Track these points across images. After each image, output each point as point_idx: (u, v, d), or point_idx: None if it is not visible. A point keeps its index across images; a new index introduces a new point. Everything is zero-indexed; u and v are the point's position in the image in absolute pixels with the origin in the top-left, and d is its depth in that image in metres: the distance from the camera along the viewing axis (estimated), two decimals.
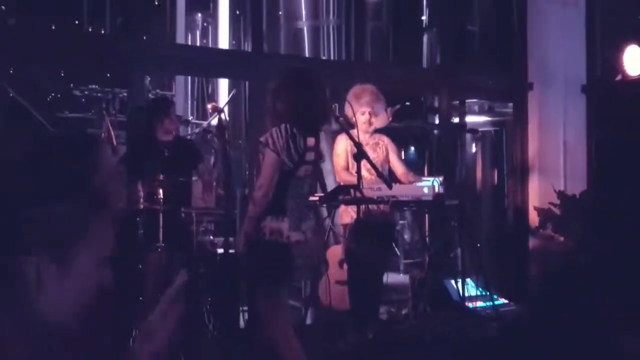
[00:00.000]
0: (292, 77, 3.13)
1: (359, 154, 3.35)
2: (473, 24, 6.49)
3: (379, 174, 3.59)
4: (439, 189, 4.22)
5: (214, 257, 4.24)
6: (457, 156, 5.83)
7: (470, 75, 6.02)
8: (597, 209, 5.19)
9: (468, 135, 6.37)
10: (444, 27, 6.12)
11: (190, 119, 6.71)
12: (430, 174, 5.90)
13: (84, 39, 4.98)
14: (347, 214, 4.23)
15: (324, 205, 4.08)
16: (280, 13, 6.32)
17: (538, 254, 5.67)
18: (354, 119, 3.87)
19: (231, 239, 3.74)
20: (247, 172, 5.40)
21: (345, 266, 4.26)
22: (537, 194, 5.78)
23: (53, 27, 5.37)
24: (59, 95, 6.33)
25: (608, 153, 5.70)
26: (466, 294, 4.65)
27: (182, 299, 1.42)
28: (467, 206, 5.07)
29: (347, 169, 4.25)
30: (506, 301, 5.13)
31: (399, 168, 4.41)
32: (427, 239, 5.69)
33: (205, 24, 7.45)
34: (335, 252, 4.65)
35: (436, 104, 6.10)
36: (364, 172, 3.67)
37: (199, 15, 7.40)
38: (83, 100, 6.29)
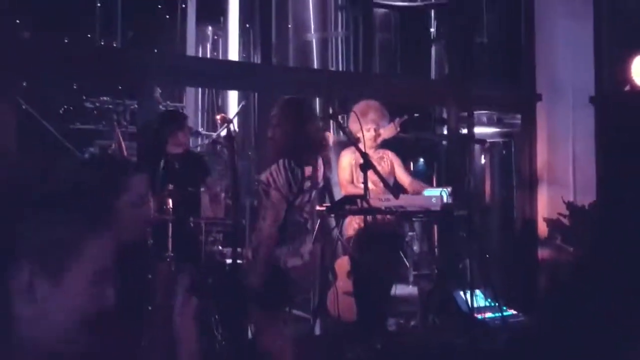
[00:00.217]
0: (284, 110, 3.23)
1: (366, 164, 3.38)
2: (481, 36, 6.51)
3: (386, 184, 3.62)
4: (447, 199, 4.23)
5: (222, 267, 4.26)
6: (465, 167, 5.83)
7: (478, 86, 6.03)
8: (606, 220, 5.16)
9: (477, 146, 6.37)
10: (452, 39, 6.14)
11: (200, 130, 6.77)
12: (438, 185, 5.91)
13: (96, 52, 5.05)
14: (351, 226, 4.24)
15: (332, 215, 4.11)
16: (289, 26, 6.38)
17: (547, 265, 5.64)
18: (359, 133, 3.91)
19: (239, 249, 3.77)
20: (255, 183, 5.43)
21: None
22: (546, 205, 5.76)
23: (66, 41, 5.47)
24: (71, 108, 6.41)
25: (617, 164, 5.68)
26: (475, 305, 4.63)
27: (192, 302, 1.45)
28: (476, 217, 5.07)
29: (353, 182, 4.27)
30: (515, 312, 5.10)
31: (405, 179, 4.43)
32: (435, 250, 5.68)
33: (215, 37, 7.54)
34: (343, 263, 4.66)
35: (444, 115, 6.11)
36: (369, 185, 3.70)
37: (210, 28, 7.49)
38: (94, 112, 6.36)
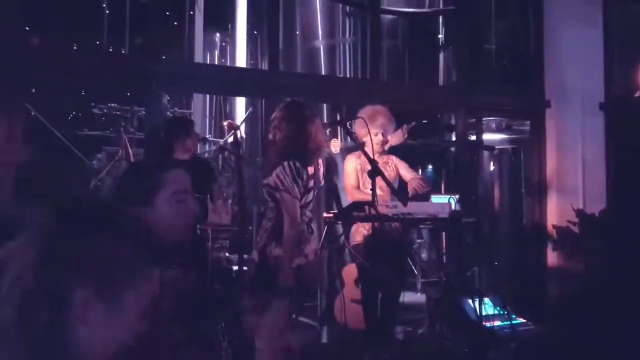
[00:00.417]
0: (285, 112, 3.24)
1: (374, 171, 3.36)
2: (490, 42, 6.49)
3: (394, 191, 3.60)
4: (455, 206, 4.20)
5: (229, 273, 4.24)
6: (473, 174, 5.80)
7: (486, 93, 6.01)
8: (616, 227, 5.11)
9: (485, 153, 6.34)
10: (460, 45, 6.12)
11: (207, 137, 6.78)
12: (447, 192, 5.88)
13: (104, 59, 5.07)
14: (359, 233, 4.21)
15: (339, 222, 4.08)
16: (297, 32, 6.39)
17: (556, 273, 5.59)
18: (365, 138, 3.89)
19: (246, 256, 3.75)
20: (263, 190, 5.42)
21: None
22: (556, 212, 5.71)
23: (74, 47, 5.49)
24: (79, 114, 6.44)
25: (627, 170, 5.63)
26: (483, 313, 4.59)
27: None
28: (484, 224, 5.03)
29: (358, 187, 4.24)
30: (524, 321, 5.05)
31: (409, 175, 4.37)
32: (444, 257, 5.64)
33: (223, 44, 7.57)
34: (350, 271, 4.63)
35: (452, 121, 6.09)
36: (377, 190, 3.68)
37: (217, 35, 7.52)
38: (102, 118, 6.39)
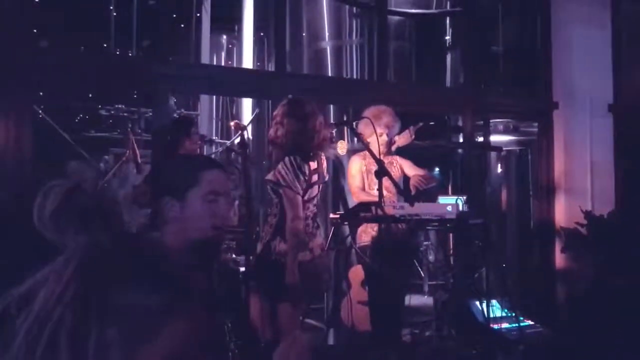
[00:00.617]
0: (286, 109, 3.26)
1: (381, 171, 3.35)
2: (497, 43, 6.47)
3: (400, 191, 3.59)
4: (463, 208, 4.17)
5: (236, 274, 4.23)
6: (481, 175, 5.77)
7: (494, 94, 5.99)
8: (624, 229, 5.08)
9: (493, 155, 6.31)
10: (468, 46, 6.10)
11: (214, 138, 6.78)
12: (454, 193, 5.85)
13: (112, 61, 5.08)
14: (366, 234, 4.19)
15: (346, 223, 4.07)
16: (303, 34, 6.38)
17: (564, 275, 5.56)
18: (371, 137, 3.88)
19: (252, 257, 3.74)
20: (267, 186, 5.42)
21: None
22: (564, 214, 5.68)
23: (82, 49, 5.51)
24: (86, 116, 6.46)
25: (636, 172, 5.60)
26: (491, 316, 4.56)
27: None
28: (492, 226, 5.00)
29: (364, 189, 4.22)
30: (532, 323, 5.02)
31: (412, 172, 4.34)
32: (451, 259, 5.62)
33: (230, 45, 7.58)
34: (357, 272, 4.61)
35: (460, 123, 6.07)
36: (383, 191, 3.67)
37: (224, 36, 7.53)
38: (110, 120, 6.41)
